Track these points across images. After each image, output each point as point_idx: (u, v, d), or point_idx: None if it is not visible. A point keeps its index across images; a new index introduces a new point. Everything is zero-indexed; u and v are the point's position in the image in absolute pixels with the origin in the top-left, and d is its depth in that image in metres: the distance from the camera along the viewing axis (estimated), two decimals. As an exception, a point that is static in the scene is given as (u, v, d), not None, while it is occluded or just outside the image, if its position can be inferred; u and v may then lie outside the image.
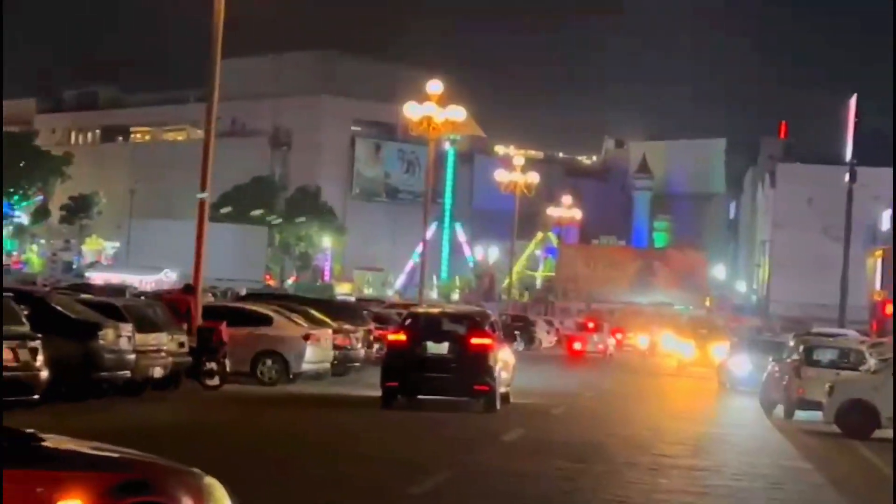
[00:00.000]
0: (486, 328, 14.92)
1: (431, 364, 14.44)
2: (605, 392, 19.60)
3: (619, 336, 38.64)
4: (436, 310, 20.69)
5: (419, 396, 14.09)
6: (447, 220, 57.48)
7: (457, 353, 14.48)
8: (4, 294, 11.54)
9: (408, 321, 15.95)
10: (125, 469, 3.08)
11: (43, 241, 59.61)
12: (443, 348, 14.56)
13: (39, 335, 10.68)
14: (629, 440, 11.13)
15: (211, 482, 3.12)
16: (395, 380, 14.27)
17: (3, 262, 47.79)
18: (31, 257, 58.91)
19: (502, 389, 14.46)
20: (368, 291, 50.52)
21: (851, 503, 8.09)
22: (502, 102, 65.01)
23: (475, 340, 14.68)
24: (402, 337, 15.03)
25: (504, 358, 14.95)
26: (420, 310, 19.43)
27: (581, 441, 10.56)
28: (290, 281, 54.53)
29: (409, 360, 14.33)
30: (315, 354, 17.32)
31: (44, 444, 3.05)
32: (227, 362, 15.90)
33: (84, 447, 3.19)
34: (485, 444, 10.00)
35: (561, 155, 66.42)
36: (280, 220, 54.49)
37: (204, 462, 3.33)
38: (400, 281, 56.14)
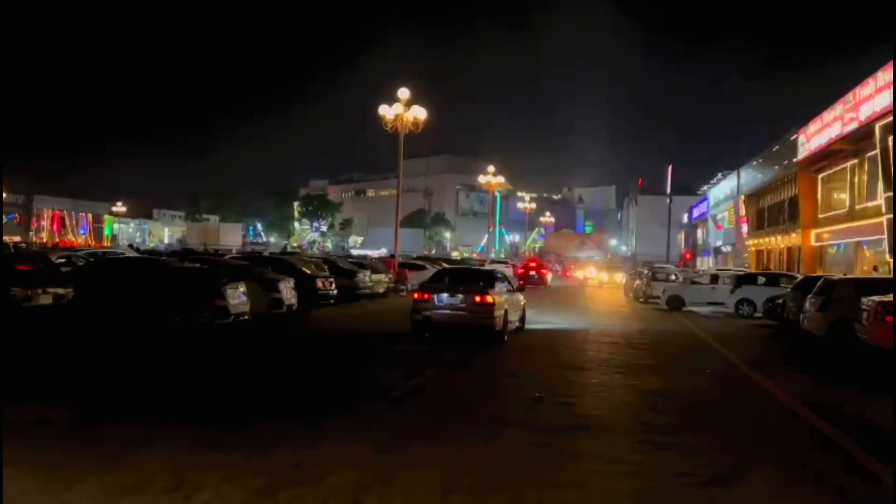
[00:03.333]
0: (544, 264, 48.63)
1: (530, 276, 40.98)
2: (570, 289, 42.30)
3: (573, 272, 62.82)
4: (532, 263, 47.18)
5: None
6: (497, 224, 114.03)
7: (536, 273, 41.99)
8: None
9: (522, 265, 45.13)
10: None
11: (331, 238, 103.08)
12: (533, 272, 42.20)
13: (332, 276, 21.08)
14: (580, 307, 25.71)
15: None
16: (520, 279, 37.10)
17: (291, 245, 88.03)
18: (328, 244, 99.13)
19: (549, 282, 43.95)
20: (463, 256, 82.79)
21: (669, 325, 18.81)
22: (521, 167, 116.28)
23: (541, 270, 44.17)
24: (522, 270, 42.09)
25: (549, 274, 45.99)
26: (526, 262, 47.84)
27: (566, 299, 31.35)
28: (433, 252, 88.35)
29: (522, 274, 40.50)
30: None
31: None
32: (409, 285, 28.22)
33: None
34: (549, 291, 36.31)
35: (545, 195, 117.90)
36: (427, 226, 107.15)
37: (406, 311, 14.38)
38: (476, 251, 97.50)
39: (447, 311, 13.81)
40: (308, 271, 21.08)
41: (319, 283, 20.62)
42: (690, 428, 7.39)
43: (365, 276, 25.27)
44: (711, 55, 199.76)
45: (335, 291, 21.18)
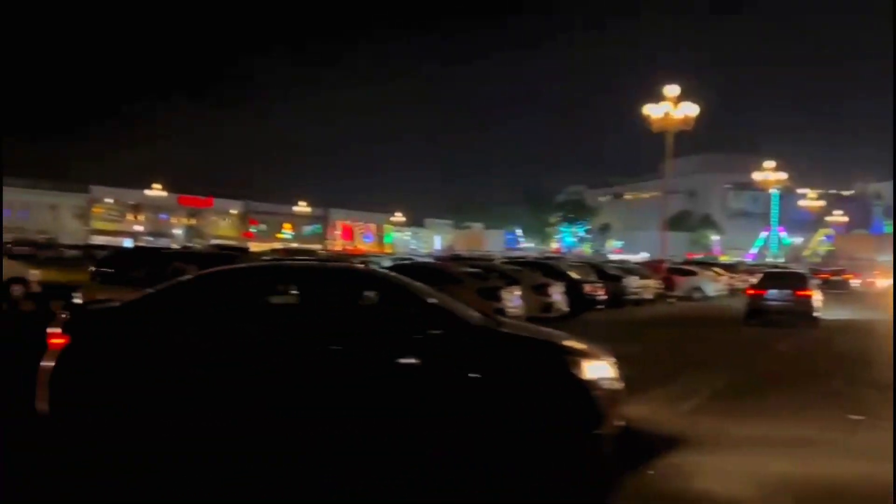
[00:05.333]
0: (851, 271, 51.05)
1: (833, 281, 42.73)
2: (874, 296, 36.16)
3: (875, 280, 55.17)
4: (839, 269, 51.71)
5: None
6: (774, 225, 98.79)
7: (841, 278, 46.61)
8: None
9: (830, 270, 49.68)
10: None
11: (588, 243, 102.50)
12: (837, 277, 46.65)
13: (601, 282, 21.84)
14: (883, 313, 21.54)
15: None
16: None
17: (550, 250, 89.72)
18: (586, 249, 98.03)
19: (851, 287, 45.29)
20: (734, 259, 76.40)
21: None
22: (802, 161, 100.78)
23: (846, 275, 48.34)
24: (827, 275, 43.01)
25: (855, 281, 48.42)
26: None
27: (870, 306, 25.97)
28: (700, 256, 78.86)
29: (825, 278, 39.68)
30: (716, 287, 31.64)
31: None
32: (678, 292, 28.93)
33: None
34: (853, 296, 35.90)
35: (833, 190, 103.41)
36: (691, 229, 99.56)
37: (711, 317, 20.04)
38: (750, 254, 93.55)
39: (776, 302, 19.02)
40: (576, 276, 21.16)
41: (588, 288, 20.56)
42: None
43: (632, 282, 24.68)
44: None
45: (604, 297, 21.02)
